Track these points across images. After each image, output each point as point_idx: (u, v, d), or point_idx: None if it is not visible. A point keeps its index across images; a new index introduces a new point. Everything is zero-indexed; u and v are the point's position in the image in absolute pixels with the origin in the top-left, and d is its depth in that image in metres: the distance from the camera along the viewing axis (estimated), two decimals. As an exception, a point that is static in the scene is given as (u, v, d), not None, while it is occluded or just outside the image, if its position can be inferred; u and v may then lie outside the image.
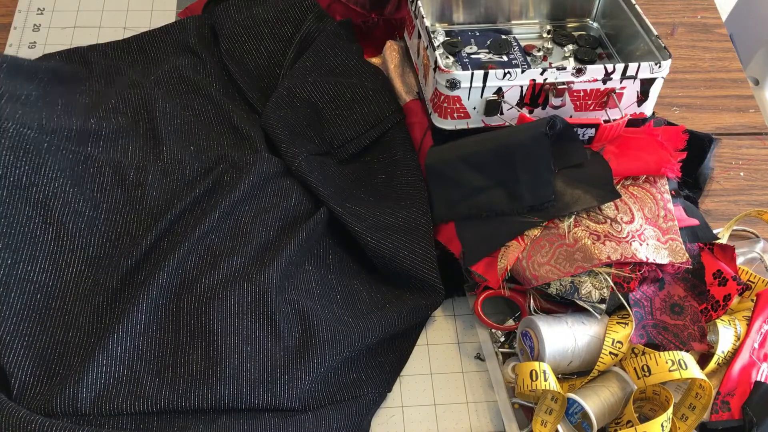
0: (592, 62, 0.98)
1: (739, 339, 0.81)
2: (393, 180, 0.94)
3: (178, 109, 0.99)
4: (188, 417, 0.77)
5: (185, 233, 0.86)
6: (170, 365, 0.79)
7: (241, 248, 0.85)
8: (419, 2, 0.94)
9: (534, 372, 0.77)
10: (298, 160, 0.92)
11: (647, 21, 0.93)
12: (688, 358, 0.76)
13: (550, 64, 0.99)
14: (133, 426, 0.76)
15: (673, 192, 0.87)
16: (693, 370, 0.75)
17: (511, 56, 0.99)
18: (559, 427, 0.78)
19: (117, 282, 0.83)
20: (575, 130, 0.88)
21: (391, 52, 1.04)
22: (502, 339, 0.87)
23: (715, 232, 0.91)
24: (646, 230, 0.83)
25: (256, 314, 0.81)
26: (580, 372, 0.82)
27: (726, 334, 0.80)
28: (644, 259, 0.80)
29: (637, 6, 0.95)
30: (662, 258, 0.81)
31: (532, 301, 0.85)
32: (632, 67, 0.88)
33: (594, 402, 0.77)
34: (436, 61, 0.87)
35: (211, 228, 0.87)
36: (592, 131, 0.88)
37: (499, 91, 0.87)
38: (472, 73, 0.86)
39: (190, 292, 0.82)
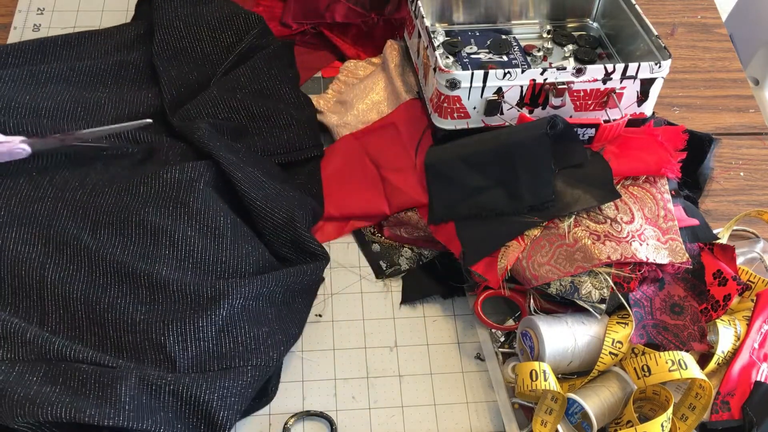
0: (592, 62, 0.98)
1: (739, 339, 0.81)
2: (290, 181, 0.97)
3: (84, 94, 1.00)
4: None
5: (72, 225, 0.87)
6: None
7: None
8: (419, 2, 0.94)
9: (534, 372, 0.77)
10: (201, 131, 0.91)
11: (647, 21, 0.93)
12: (688, 358, 0.76)
13: (550, 64, 0.99)
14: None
15: (673, 192, 0.87)
16: (693, 370, 0.75)
17: (511, 56, 0.99)
18: (559, 427, 0.78)
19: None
20: (575, 130, 0.88)
21: (391, 51, 1.05)
22: (502, 339, 0.87)
23: (715, 232, 0.91)
24: (646, 230, 0.83)
25: (123, 284, 0.82)
26: (580, 372, 0.82)
27: (726, 334, 0.80)
28: (644, 259, 0.80)
29: (637, 6, 0.95)
30: (662, 258, 0.81)
31: (532, 301, 0.85)
32: (632, 67, 0.88)
33: (594, 402, 0.77)
34: (436, 61, 0.87)
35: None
36: (592, 131, 0.88)
37: (499, 91, 0.87)
38: (472, 73, 0.86)
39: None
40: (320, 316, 0.90)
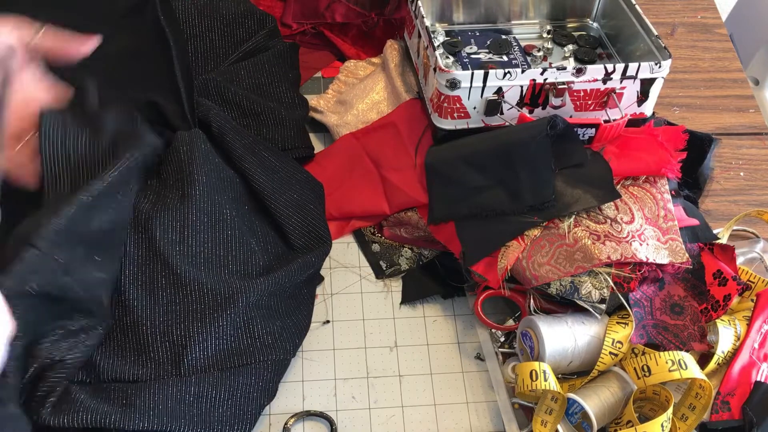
0: (592, 62, 0.98)
1: (739, 339, 0.81)
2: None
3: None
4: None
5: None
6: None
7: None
8: (419, 2, 0.94)
9: (534, 372, 0.77)
10: (214, 110, 0.92)
11: (647, 21, 0.93)
12: (688, 358, 0.76)
13: (550, 64, 0.99)
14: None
15: (673, 192, 0.87)
16: (693, 370, 0.75)
17: (511, 56, 0.99)
18: (559, 427, 0.78)
19: None
20: (575, 130, 0.88)
21: (391, 51, 1.05)
22: (502, 339, 0.87)
23: (715, 232, 0.91)
24: (646, 230, 0.83)
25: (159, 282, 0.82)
26: (580, 372, 0.82)
27: (726, 334, 0.80)
28: (644, 259, 0.80)
29: (637, 6, 0.95)
30: (662, 258, 0.81)
31: (532, 301, 0.85)
32: (632, 67, 0.88)
33: (594, 402, 0.77)
34: (436, 61, 0.87)
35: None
36: (592, 131, 0.88)
37: (499, 91, 0.87)
38: (472, 73, 0.86)
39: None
40: (328, 322, 0.90)
